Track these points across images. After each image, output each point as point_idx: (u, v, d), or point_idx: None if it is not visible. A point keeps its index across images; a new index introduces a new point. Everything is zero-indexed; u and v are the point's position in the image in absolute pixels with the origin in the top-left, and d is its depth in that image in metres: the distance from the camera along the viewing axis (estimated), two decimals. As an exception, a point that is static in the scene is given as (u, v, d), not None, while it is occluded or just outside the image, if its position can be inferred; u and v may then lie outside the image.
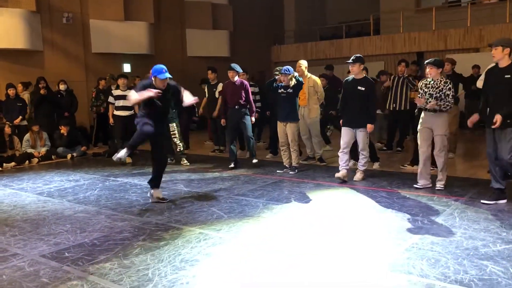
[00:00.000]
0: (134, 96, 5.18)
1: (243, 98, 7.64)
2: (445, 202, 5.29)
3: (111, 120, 8.94)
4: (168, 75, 5.34)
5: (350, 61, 6.44)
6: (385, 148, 9.03)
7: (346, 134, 6.55)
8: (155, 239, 4.27)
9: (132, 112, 8.70)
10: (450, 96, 5.69)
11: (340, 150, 6.59)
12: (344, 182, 6.46)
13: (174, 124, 8.18)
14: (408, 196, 5.63)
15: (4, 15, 10.41)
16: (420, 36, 14.24)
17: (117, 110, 8.71)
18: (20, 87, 9.86)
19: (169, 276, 3.44)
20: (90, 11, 12.38)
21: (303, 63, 7.74)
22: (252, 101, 7.83)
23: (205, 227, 4.60)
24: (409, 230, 4.34)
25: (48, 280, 3.43)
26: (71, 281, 3.40)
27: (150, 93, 5.10)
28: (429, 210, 4.98)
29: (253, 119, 7.81)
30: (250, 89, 7.94)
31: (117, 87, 9.05)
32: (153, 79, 5.35)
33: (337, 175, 6.51)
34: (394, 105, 8.65)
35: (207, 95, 9.75)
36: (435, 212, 4.89)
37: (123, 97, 8.56)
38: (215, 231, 4.48)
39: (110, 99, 8.87)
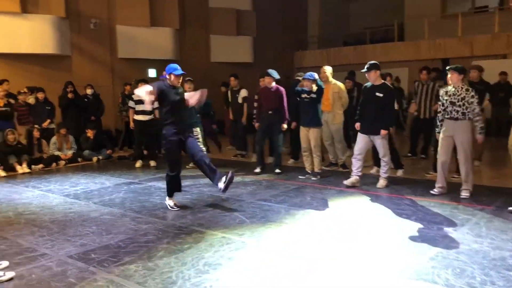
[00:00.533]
0: (142, 93, 5.27)
1: (278, 105, 7.64)
2: (471, 211, 5.21)
3: (131, 124, 9.11)
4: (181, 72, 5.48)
5: (365, 69, 6.43)
6: (409, 154, 8.94)
7: (361, 141, 6.57)
8: (179, 242, 4.32)
9: (151, 117, 8.82)
10: (475, 103, 5.64)
11: (354, 156, 6.64)
12: (354, 187, 6.51)
13: (198, 129, 8.26)
14: (432, 204, 5.55)
15: (35, 21, 10.71)
16: (446, 42, 14.05)
17: (136, 114, 8.85)
18: (26, 91, 9.86)
19: (193, 279, 3.48)
20: (117, 17, 12.64)
21: (328, 69, 7.73)
22: (286, 108, 7.70)
23: (228, 232, 4.63)
24: (434, 238, 4.29)
25: (75, 281, 3.51)
26: (97, 282, 3.48)
27: (147, 98, 5.22)
28: (454, 219, 4.91)
29: (285, 126, 7.70)
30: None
31: None
32: (167, 76, 5.46)
33: (345, 182, 6.60)
34: (417, 112, 8.54)
35: (230, 100, 9.87)
36: (460, 221, 4.82)
37: (143, 102, 8.71)
38: (238, 235, 4.51)
39: (131, 103, 9.01)
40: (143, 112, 8.80)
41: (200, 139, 8.34)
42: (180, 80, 5.56)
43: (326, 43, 18.24)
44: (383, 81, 6.54)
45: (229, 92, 9.98)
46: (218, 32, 15.13)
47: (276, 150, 7.85)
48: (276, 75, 7.65)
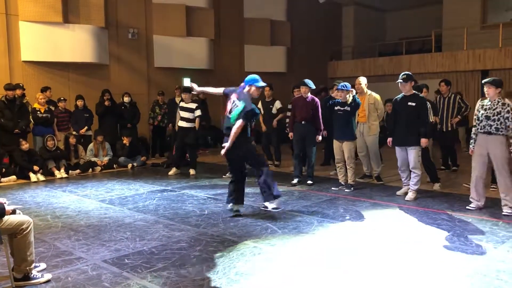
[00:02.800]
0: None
1: (311, 115, 7.57)
2: (512, 228, 5.01)
3: (176, 126, 9.31)
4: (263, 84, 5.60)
5: (401, 80, 6.35)
6: (443, 167, 8.73)
7: (399, 155, 6.61)
8: (211, 251, 4.33)
9: (192, 125, 8.90)
10: (510, 119, 5.47)
11: (399, 169, 6.74)
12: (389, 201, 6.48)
13: None
14: (470, 219, 5.38)
15: (76, 31, 11.05)
16: (486, 53, 13.69)
17: (181, 120, 8.99)
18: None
19: (224, 288, 3.48)
20: (154, 27, 12.90)
21: (363, 81, 7.64)
22: (320, 118, 7.62)
23: (260, 241, 4.62)
24: (472, 255, 4.14)
25: (109, 285, 3.57)
26: (130, 287, 3.52)
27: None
28: (494, 236, 4.73)
29: (320, 137, 7.62)
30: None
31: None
32: (248, 88, 5.51)
33: (398, 192, 6.77)
34: (439, 125, 8.34)
35: (262, 112, 9.84)
36: (501, 238, 4.64)
37: (185, 109, 8.85)
38: (270, 245, 4.49)
39: (179, 109, 9.17)
40: (183, 119, 8.91)
41: None
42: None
43: (361, 53, 18.11)
44: (414, 91, 6.47)
45: (260, 103, 9.92)
46: (252, 42, 15.23)
47: (309, 162, 7.77)
48: (312, 85, 7.58)
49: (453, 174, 8.52)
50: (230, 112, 5.47)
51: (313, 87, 7.60)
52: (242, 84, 5.58)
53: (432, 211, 5.80)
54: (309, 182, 7.63)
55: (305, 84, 7.55)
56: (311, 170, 7.72)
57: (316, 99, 7.67)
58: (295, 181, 7.68)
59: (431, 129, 7.19)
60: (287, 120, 8.97)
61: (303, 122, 7.57)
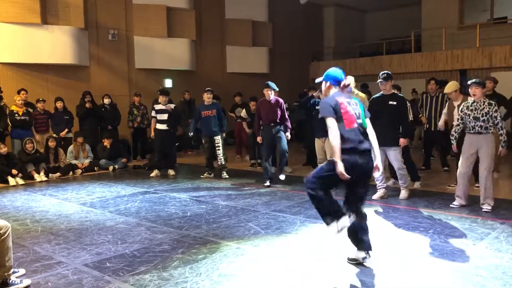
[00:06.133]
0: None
1: (278, 116, 7.64)
2: (490, 225, 5.10)
3: (152, 134, 9.08)
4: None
5: (382, 80, 6.34)
6: (423, 167, 8.82)
7: None
8: (194, 253, 4.31)
9: (167, 126, 8.87)
10: (499, 118, 5.59)
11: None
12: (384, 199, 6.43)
13: (219, 137, 8.36)
14: (450, 217, 5.46)
15: (55, 32, 10.90)
16: (464, 54, 13.92)
17: (158, 123, 8.89)
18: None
19: (207, 290, 3.46)
20: (135, 28, 12.79)
21: (351, 79, 7.62)
22: (287, 118, 7.81)
23: (243, 242, 4.61)
24: (452, 253, 4.20)
25: (90, 289, 3.52)
26: (112, 291, 3.49)
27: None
28: (473, 233, 4.81)
29: (288, 135, 7.75)
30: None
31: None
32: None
33: (373, 197, 6.50)
34: (428, 125, 8.44)
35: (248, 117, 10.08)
36: (480, 235, 4.72)
37: (162, 111, 8.76)
38: (253, 246, 4.48)
39: (152, 112, 9.03)
40: (161, 122, 8.83)
41: (221, 148, 8.41)
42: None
43: (342, 53, 18.25)
44: (393, 90, 6.50)
45: (244, 111, 10.20)
46: (234, 43, 15.23)
47: (283, 156, 7.77)
48: (274, 86, 7.65)
49: (432, 173, 8.62)
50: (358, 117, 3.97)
51: (276, 89, 7.71)
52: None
53: (413, 210, 5.87)
54: (282, 177, 7.62)
55: (268, 86, 7.61)
56: (284, 161, 7.77)
57: (281, 100, 7.79)
58: (267, 182, 7.64)
59: (410, 128, 7.24)
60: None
61: (271, 124, 7.63)
